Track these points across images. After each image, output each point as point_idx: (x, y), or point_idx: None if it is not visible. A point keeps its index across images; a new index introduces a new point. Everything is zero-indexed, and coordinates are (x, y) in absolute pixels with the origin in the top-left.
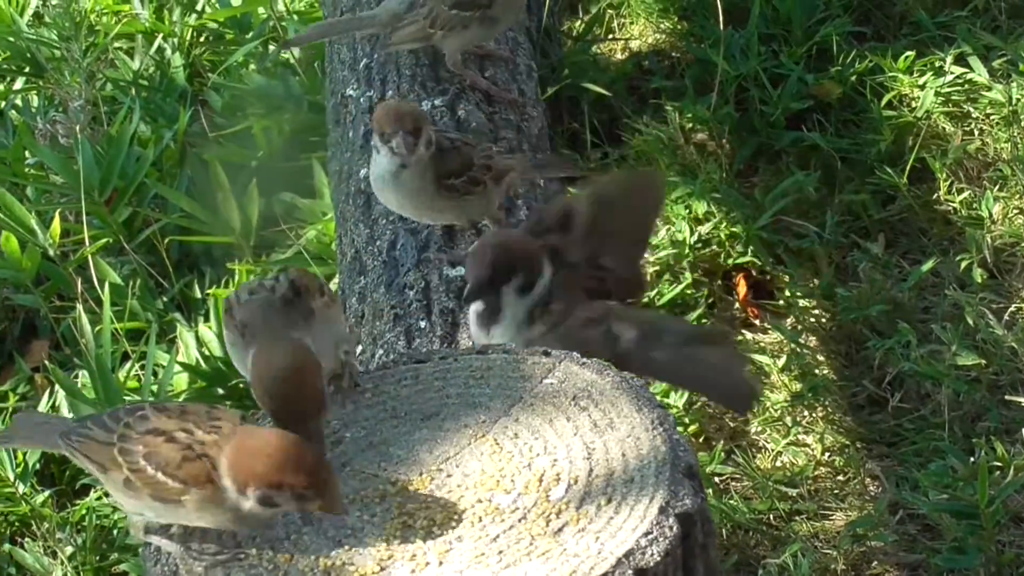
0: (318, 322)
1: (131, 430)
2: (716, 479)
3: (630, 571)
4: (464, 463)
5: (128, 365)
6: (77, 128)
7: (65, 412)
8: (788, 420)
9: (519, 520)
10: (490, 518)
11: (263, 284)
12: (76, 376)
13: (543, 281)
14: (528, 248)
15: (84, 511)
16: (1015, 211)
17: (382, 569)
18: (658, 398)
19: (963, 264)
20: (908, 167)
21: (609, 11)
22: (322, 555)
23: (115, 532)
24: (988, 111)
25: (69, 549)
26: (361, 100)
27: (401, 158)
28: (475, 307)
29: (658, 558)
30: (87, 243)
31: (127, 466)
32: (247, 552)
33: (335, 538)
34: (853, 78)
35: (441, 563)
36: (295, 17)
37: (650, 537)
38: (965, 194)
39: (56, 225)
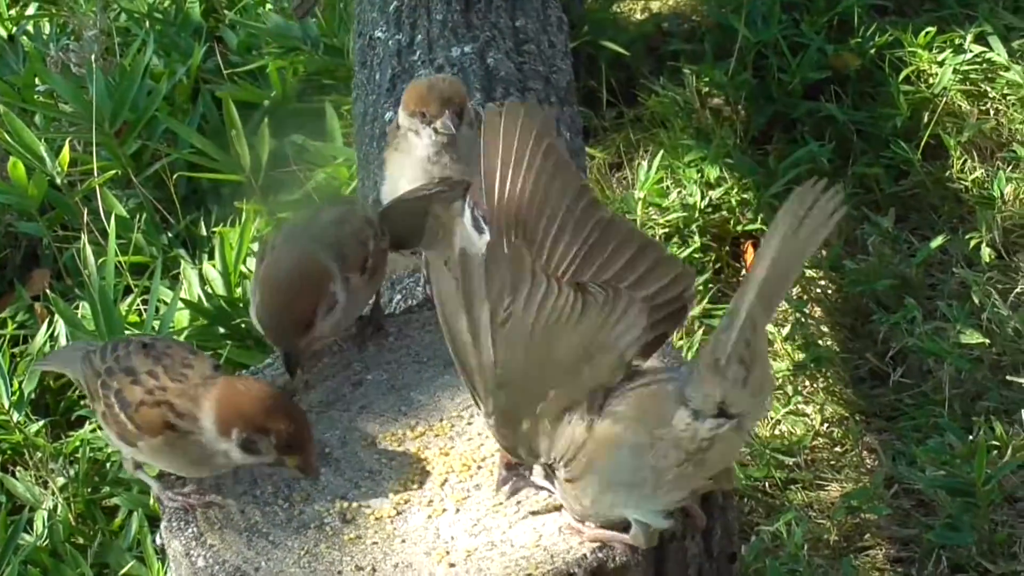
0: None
1: (117, 364)
2: None
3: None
4: None
5: (130, 299)
6: (92, 58)
7: (63, 342)
8: (789, 389)
9: None
10: None
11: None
12: (77, 307)
13: None
14: None
15: (78, 443)
16: None
17: (399, 513)
18: None
19: (972, 243)
20: (922, 143)
21: None
22: (338, 496)
23: (108, 465)
24: (1005, 91)
25: (61, 480)
26: (389, 43)
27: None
28: None
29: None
30: (95, 174)
31: (103, 400)
32: (217, 501)
33: (352, 479)
34: (872, 51)
35: (458, 510)
36: None
37: None
38: (977, 173)
39: (65, 154)
